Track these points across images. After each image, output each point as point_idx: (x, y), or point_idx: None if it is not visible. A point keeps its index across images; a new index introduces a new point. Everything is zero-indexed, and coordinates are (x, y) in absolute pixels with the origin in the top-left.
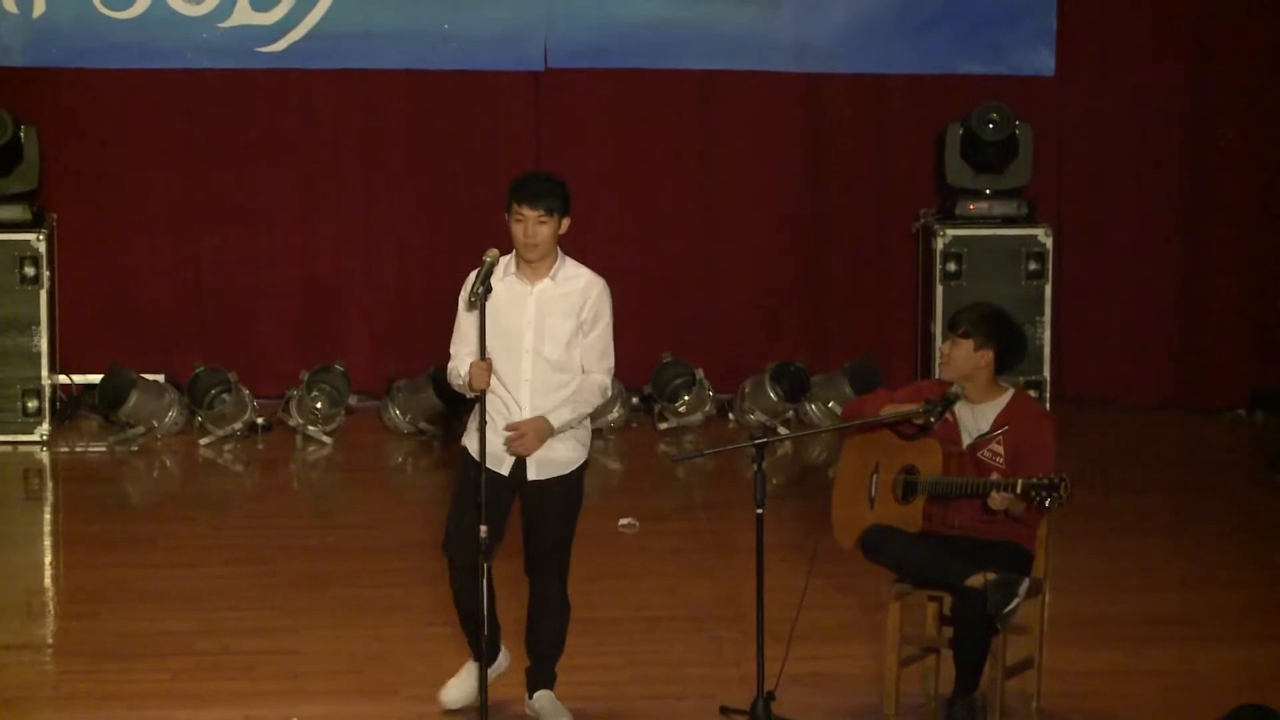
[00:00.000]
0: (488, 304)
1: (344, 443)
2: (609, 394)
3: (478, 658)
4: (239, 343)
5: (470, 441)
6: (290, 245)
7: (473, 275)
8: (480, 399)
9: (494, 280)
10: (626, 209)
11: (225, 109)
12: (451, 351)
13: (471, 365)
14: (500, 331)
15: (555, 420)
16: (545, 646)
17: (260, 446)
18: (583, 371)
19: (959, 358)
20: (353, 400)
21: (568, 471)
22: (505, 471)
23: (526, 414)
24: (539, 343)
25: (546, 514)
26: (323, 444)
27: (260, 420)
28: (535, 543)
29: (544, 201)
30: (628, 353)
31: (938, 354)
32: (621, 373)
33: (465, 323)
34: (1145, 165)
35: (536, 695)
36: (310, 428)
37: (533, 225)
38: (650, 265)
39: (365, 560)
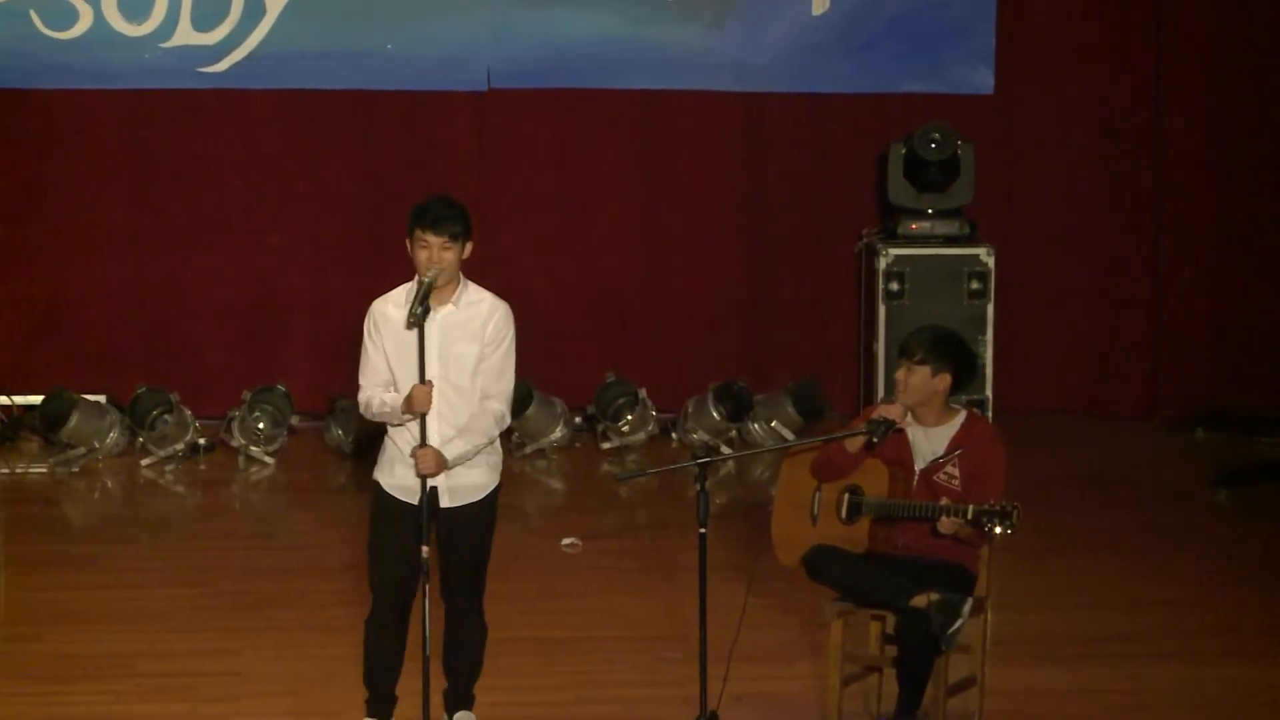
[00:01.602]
0: (389, 333)
1: (286, 463)
2: (506, 422)
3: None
4: (181, 363)
5: (383, 475)
6: (232, 265)
7: (377, 303)
8: (421, 423)
9: (394, 308)
10: (569, 228)
11: (167, 129)
12: (361, 383)
13: (414, 388)
14: (405, 360)
15: (449, 453)
16: (463, 668)
17: (202, 467)
18: (481, 397)
19: (916, 384)
20: (295, 421)
21: (481, 497)
22: (418, 502)
23: (434, 442)
24: (444, 369)
25: (464, 539)
26: (265, 464)
27: (202, 441)
28: (454, 568)
29: (448, 227)
30: (571, 372)
31: (882, 374)
32: (564, 392)
33: (374, 352)
34: (1090, 181)
35: (456, 717)
36: (252, 448)
37: (437, 251)
38: (593, 285)
39: (308, 581)
